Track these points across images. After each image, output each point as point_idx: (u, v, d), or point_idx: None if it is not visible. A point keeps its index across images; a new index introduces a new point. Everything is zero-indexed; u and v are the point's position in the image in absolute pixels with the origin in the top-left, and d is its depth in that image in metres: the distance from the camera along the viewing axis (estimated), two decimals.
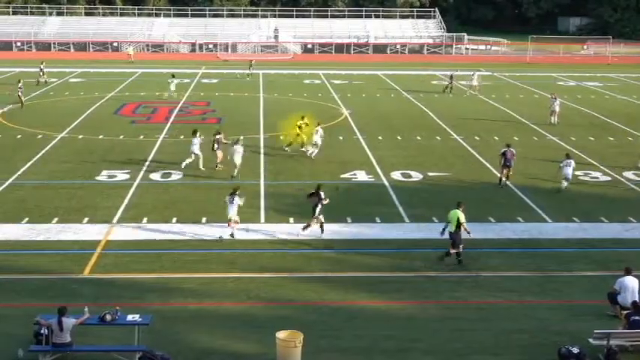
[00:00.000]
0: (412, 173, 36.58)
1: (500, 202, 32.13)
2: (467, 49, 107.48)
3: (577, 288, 23.73)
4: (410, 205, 31.52)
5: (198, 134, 36.92)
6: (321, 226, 27.74)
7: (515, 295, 23.05)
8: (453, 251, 25.38)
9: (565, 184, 33.74)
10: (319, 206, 27.56)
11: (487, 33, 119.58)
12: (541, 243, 27.41)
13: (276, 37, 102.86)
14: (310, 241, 27.21)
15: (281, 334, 18.68)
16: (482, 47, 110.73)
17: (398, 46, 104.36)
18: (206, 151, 36.56)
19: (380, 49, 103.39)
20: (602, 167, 38.26)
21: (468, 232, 25.48)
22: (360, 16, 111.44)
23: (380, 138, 44.68)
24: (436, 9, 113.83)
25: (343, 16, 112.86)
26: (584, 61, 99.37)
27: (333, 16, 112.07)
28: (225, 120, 49.65)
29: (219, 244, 26.68)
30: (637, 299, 20.78)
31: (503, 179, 34.85)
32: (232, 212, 27.29)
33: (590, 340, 19.13)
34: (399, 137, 44.89)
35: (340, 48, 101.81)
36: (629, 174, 37.02)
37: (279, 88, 64.94)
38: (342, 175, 36.04)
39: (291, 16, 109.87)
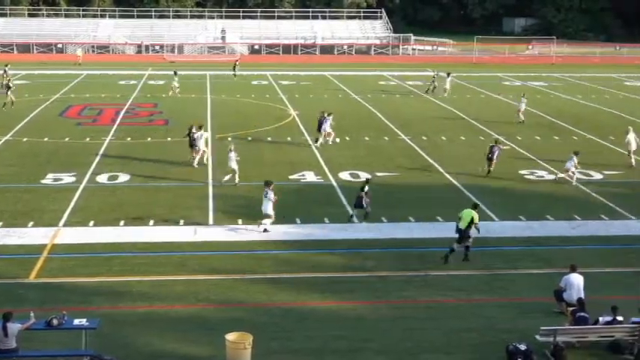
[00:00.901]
0: (360, 173, 36.67)
1: (448, 202, 32.33)
2: (413, 49, 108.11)
3: (524, 286, 24.02)
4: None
5: (203, 129, 38.32)
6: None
7: (464, 294, 23.25)
8: (457, 246, 25.77)
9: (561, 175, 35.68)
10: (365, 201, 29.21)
11: (433, 34, 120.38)
12: (488, 241, 27.64)
13: (223, 38, 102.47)
14: (261, 242, 27.17)
15: (230, 336, 18.63)
16: (429, 48, 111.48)
17: (345, 47, 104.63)
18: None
19: (327, 49, 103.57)
20: (547, 166, 38.72)
21: (478, 231, 25.96)
22: (307, 17, 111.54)
23: (328, 139, 44.66)
24: (383, 10, 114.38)
25: (290, 17, 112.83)
26: (529, 61, 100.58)
27: (280, 17, 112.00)
28: (173, 122, 49.33)
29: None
30: (582, 296, 21.08)
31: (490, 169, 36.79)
32: (266, 207, 28.11)
33: (537, 336, 19.36)
34: (347, 138, 45.00)
35: (287, 49, 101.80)
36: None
37: (226, 90, 64.70)
38: (291, 176, 36.03)
39: (237, 17, 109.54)
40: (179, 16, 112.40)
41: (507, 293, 23.45)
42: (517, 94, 63.70)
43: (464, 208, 30.73)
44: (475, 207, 26.51)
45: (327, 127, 42.95)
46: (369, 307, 22.16)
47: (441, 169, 37.74)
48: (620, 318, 19.81)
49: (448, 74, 65.87)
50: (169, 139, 44.00)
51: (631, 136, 39.83)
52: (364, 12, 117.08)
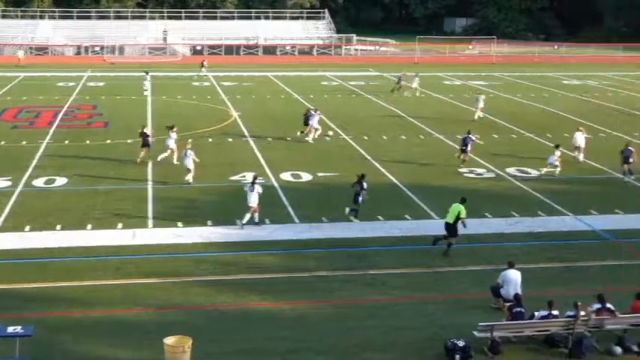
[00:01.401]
0: (302, 174, 36.70)
1: (389, 201, 32.52)
2: (356, 49, 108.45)
3: (462, 282, 24.24)
4: (300, 205, 31.60)
5: (174, 129, 38.65)
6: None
7: (403, 292, 23.39)
8: (446, 240, 26.53)
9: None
10: (361, 195, 29.62)
11: (376, 34, 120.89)
12: (428, 239, 27.82)
13: (164, 39, 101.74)
14: (200, 244, 27.03)
15: (169, 340, 18.51)
16: (372, 48, 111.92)
17: (288, 48, 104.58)
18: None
19: (270, 50, 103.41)
20: (486, 164, 39.10)
21: (464, 226, 26.46)
22: (250, 18, 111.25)
23: (270, 139, 44.69)
24: (326, 10, 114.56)
25: (232, 18, 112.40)
26: (469, 60, 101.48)
27: (222, 18, 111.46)
28: (112, 124, 48.85)
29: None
30: (519, 292, 21.35)
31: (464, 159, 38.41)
32: (252, 200, 28.49)
33: (475, 332, 19.54)
34: (288, 138, 44.96)
35: (230, 50, 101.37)
36: (512, 170, 37.95)
37: (167, 91, 64.20)
38: (232, 178, 35.89)
39: (179, 18, 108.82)
40: (119, 17, 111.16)
41: (446, 290, 23.64)
42: (457, 94, 64.30)
43: (404, 207, 31.08)
44: (463, 201, 26.96)
45: (314, 122, 44.11)
46: (309, 307, 22.17)
47: (382, 169, 37.89)
48: (555, 312, 20.08)
49: (416, 74, 66.50)
50: (109, 141, 43.58)
51: (579, 135, 40.67)
52: (307, 12, 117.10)
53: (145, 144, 38.22)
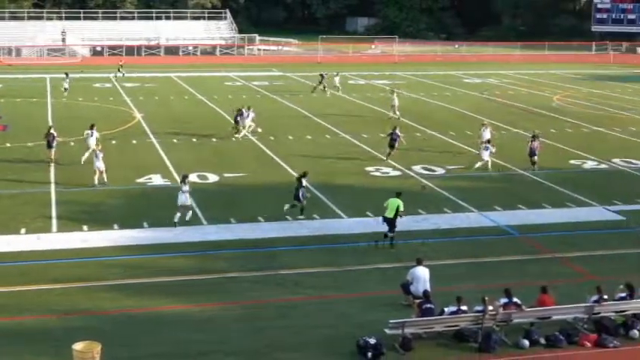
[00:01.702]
0: (208, 175, 36.44)
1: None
2: (259, 49, 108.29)
3: (372, 280, 24.41)
4: (207, 207, 31.34)
5: (95, 128, 38.65)
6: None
7: (314, 291, 23.43)
8: (391, 234, 27.17)
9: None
10: (301, 192, 30.14)
11: (278, 33, 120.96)
12: (337, 238, 27.99)
13: (63, 39, 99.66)
14: (107, 248, 26.57)
15: (78, 346, 18.12)
16: (274, 48, 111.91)
17: (190, 48, 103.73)
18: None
19: (172, 50, 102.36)
20: (393, 162, 39.46)
21: (401, 217, 27.26)
22: (151, 18, 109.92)
23: (175, 141, 44.25)
24: (227, 10, 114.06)
25: (133, 18, 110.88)
26: (372, 60, 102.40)
27: (122, 18, 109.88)
28: (12, 127, 47.61)
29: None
30: (428, 288, 21.59)
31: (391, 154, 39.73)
32: (183, 199, 28.83)
33: (386, 330, 19.68)
34: (194, 139, 44.60)
35: (131, 50, 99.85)
36: (417, 167, 38.41)
37: (68, 93, 62.83)
38: (138, 180, 35.40)
39: (78, 19, 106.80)
40: (16, 18, 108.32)
41: (356, 288, 23.76)
42: (361, 93, 64.86)
43: (312, 206, 31.15)
44: (399, 195, 27.69)
45: (248, 121, 45.25)
46: (219, 309, 22.00)
47: (289, 169, 37.90)
48: (464, 308, 20.38)
49: (337, 73, 66.97)
50: (9, 144, 42.45)
51: (486, 131, 41.66)
52: (209, 12, 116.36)
53: (50, 145, 37.93)
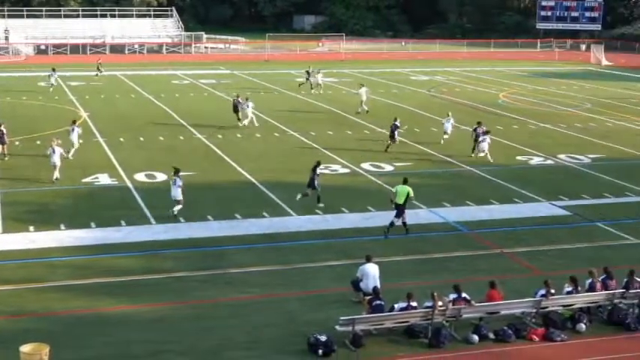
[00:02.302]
0: (156, 174, 36.15)
1: (246, 199, 32.48)
2: (206, 47, 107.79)
3: (322, 278, 24.43)
4: (156, 206, 31.09)
5: (77, 123, 40.50)
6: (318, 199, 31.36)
7: (264, 289, 23.36)
8: (397, 222, 28.03)
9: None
10: (316, 180, 31.19)
11: (225, 31, 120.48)
12: (286, 236, 27.98)
13: (6, 38, 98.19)
14: (54, 249, 26.25)
15: (25, 348, 17.88)
16: (222, 46, 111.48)
17: (136, 46, 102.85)
18: None
19: (118, 49, 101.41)
20: (341, 160, 39.55)
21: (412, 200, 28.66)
22: (96, 16, 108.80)
23: (122, 140, 43.85)
24: (173, 8, 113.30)
25: (77, 16, 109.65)
26: (320, 57, 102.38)
27: (66, 16, 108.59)
28: None
29: None
30: (378, 285, 21.66)
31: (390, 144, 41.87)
32: (176, 194, 29.45)
33: (337, 327, 19.72)
34: (141, 138, 44.24)
35: (76, 49, 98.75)
36: (366, 165, 38.53)
37: (11, 92, 62.01)
38: (84, 180, 35.00)
39: (21, 17, 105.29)
40: None
41: (306, 286, 23.77)
42: (309, 91, 64.93)
43: (261, 205, 31.14)
44: (406, 182, 29.01)
45: (249, 111, 47.13)
46: (168, 309, 21.85)
47: (238, 167, 37.79)
48: (414, 304, 20.48)
49: (318, 70, 67.07)
50: None
51: (448, 123, 44.03)
52: (154, 10, 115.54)
53: (2, 141, 38.44)
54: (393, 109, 57.01)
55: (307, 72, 67.64)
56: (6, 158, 38.38)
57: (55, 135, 39.95)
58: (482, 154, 39.83)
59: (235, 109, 48.91)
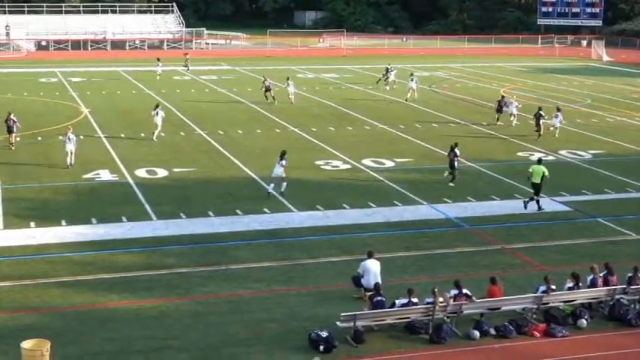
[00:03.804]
0: (157, 170, 36.17)
1: (247, 195, 32.46)
2: (207, 43, 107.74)
3: (323, 274, 24.42)
4: (157, 202, 31.14)
5: (159, 107, 43.67)
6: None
7: (265, 285, 23.37)
8: (536, 198, 30.79)
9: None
10: (456, 162, 34.54)
11: (226, 27, 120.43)
12: (287, 232, 27.99)
13: (7, 34, 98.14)
14: (54, 245, 26.26)
15: (26, 344, 17.87)
16: (223, 42, 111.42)
17: (137, 42, 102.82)
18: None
19: (119, 45, 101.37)
20: (342, 156, 39.56)
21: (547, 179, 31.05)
22: (97, 12, 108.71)
23: (122, 135, 43.85)
24: (174, 4, 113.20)
25: (78, 12, 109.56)
26: (320, 53, 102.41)
27: (67, 12, 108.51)
28: None
29: None
30: (379, 281, 21.67)
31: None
32: (277, 172, 32.11)
33: (338, 323, 19.73)
34: (142, 134, 44.23)
35: (77, 45, 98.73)
36: (368, 161, 38.52)
37: (13, 88, 62.01)
38: (85, 176, 35.00)
39: (22, 13, 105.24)
40: None
41: (307, 282, 23.78)
42: (310, 86, 64.89)
43: (262, 201, 31.17)
44: (540, 162, 31.99)
45: (291, 89, 50.91)
46: (170, 305, 21.86)
47: (239, 163, 37.80)
48: (415, 300, 20.49)
49: (392, 68, 67.76)
50: None
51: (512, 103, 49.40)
52: (155, 6, 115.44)
53: (10, 130, 39.78)
54: (394, 104, 56.99)
55: (387, 68, 67.39)
56: (13, 147, 39.70)
57: (68, 125, 40.32)
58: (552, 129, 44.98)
59: (267, 89, 55.79)
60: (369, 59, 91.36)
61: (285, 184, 32.20)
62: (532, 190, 31.22)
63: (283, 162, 32.32)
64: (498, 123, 48.40)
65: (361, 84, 68.36)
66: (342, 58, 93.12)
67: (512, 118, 48.48)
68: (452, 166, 34.65)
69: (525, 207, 30.87)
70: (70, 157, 36.25)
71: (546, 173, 30.93)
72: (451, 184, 34.26)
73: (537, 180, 30.91)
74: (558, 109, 46.30)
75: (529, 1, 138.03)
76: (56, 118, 48.32)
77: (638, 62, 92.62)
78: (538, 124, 44.84)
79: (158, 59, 71.06)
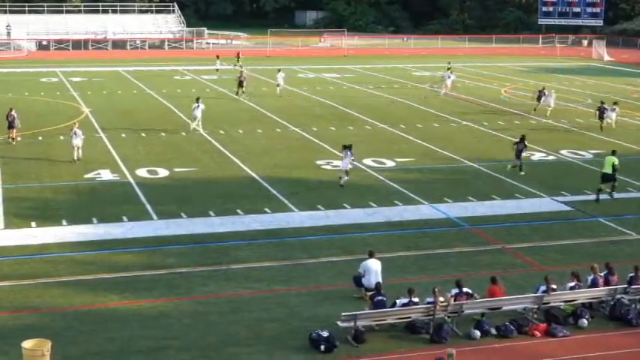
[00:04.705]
0: (158, 170, 36.16)
1: (248, 195, 32.47)
2: (208, 43, 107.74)
3: (324, 274, 24.40)
4: (158, 202, 31.13)
5: (200, 100, 45.97)
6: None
7: (266, 285, 23.37)
8: (603, 186, 32.51)
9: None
10: (523, 152, 36.46)
11: (227, 27, 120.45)
12: (288, 232, 27.98)
13: (8, 33, 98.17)
14: (55, 244, 26.25)
15: (27, 344, 17.86)
16: (223, 42, 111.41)
17: (138, 42, 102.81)
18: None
19: (119, 45, 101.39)
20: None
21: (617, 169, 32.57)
22: (97, 12, 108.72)
23: (123, 135, 43.85)
24: (175, 4, 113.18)
25: (79, 12, 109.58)
26: (322, 53, 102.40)
27: (68, 12, 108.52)
28: None
29: None
30: (380, 280, 21.66)
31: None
32: (344, 165, 33.60)
33: (339, 322, 19.71)
34: (143, 134, 44.23)
35: (78, 44, 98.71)
36: (368, 161, 38.49)
37: (13, 88, 62.02)
38: (86, 175, 34.99)
39: (23, 12, 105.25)
40: None
41: (308, 282, 23.76)
42: (310, 86, 64.84)
43: (263, 200, 31.20)
44: (614, 153, 33.44)
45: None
46: (170, 305, 21.85)
47: (240, 163, 37.79)
48: (415, 299, 20.48)
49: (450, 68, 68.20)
50: None
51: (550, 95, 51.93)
52: (156, 6, 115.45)
53: (11, 126, 40.65)
54: (395, 104, 56.99)
55: (449, 68, 67.22)
56: (14, 142, 40.61)
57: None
58: (610, 121, 47.14)
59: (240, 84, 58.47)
60: (369, 59, 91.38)
61: (346, 177, 33.73)
62: (601, 182, 32.74)
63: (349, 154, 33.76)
64: (535, 110, 52.95)
65: (361, 83, 68.12)
66: (343, 58, 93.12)
67: (548, 109, 51.73)
68: (518, 157, 36.38)
69: (598, 198, 32.49)
70: (77, 152, 37.00)
71: (616, 164, 32.43)
72: (521, 173, 36.03)
73: (608, 170, 32.50)
74: (615, 104, 49.36)
75: (530, 0, 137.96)
76: (57, 118, 48.31)
77: (638, 62, 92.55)
78: (602, 117, 47.51)
79: (217, 56, 77.49)
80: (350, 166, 33.62)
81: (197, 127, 45.02)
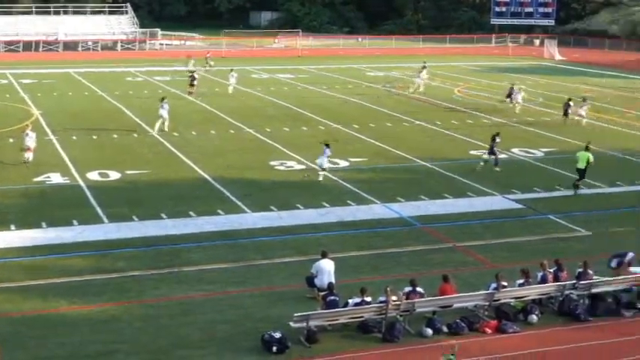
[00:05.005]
0: (110, 172, 35.82)
1: (201, 196, 32.31)
2: (161, 44, 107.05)
3: (277, 275, 24.34)
4: (109, 205, 30.82)
5: (165, 100, 45.81)
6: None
7: (218, 287, 23.25)
8: (579, 182, 33.06)
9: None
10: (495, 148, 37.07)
11: (181, 28, 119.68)
12: (241, 233, 27.88)
13: None
14: (3, 250, 25.88)
15: None
16: (177, 42, 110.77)
17: (90, 43, 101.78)
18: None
19: (71, 46, 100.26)
20: (296, 156, 39.48)
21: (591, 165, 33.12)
22: (49, 13, 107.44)
23: (74, 138, 43.37)
24: (128, 5, 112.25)
25: (30, 13, 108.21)
26: (276, 53, 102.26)
27: (18, 13, 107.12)
28: None
29: None
30: (333, 280, 21.66)
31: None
32: (322, 162, 34.93)
33: (291, 323, 19.67)
34: (94, 136, 43.79)
35: (28, 46, 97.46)
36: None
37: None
38: (35, 179, 34.52)
39: None
40: None
41: (261, 283, 23.69)
42: (264, 87, 64.75)
43: (216, 202, 31.06)
44: (587, 148, 33.69)
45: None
46: (121, 308, 21.64)
47: (193, 164, 37.59)
48: (368, 299, 20.51)
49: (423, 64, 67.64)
50: None
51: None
52: (109, 7, 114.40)
53: None
54: (349, 104, 57.08)
55: (424, 67, 66.95)
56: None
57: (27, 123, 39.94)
58: (578, 118, 48.94)
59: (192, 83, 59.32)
60: (324, 59, 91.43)
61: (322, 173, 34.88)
62: (577, 176, 33.48)
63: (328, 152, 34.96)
64: (507, 104, 55.32)
65: (315, 84, 68.11)
66: (297, 59, 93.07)
67: (517, 106, 53.89)
68: (491, 153, 37.00)
69: (575, 192, 33.20)
70: (28, 153, 36.62)
71: (591, 159, 32.97)
72: (497, 169, 36.69)
73: (581, 165, 33.06)
74: (584, 100, 51.68)
75: (483, 0, 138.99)
76: (6, 121, 47.63)
77: (589, 61, 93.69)
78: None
79: (189, 56, 77.23)
80: (327, 165, 34.92)
81: (163, 127, 44.95)
